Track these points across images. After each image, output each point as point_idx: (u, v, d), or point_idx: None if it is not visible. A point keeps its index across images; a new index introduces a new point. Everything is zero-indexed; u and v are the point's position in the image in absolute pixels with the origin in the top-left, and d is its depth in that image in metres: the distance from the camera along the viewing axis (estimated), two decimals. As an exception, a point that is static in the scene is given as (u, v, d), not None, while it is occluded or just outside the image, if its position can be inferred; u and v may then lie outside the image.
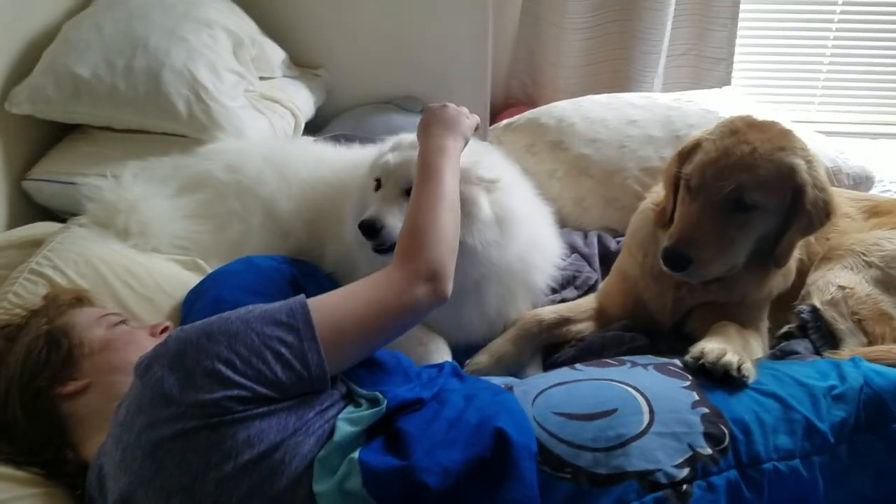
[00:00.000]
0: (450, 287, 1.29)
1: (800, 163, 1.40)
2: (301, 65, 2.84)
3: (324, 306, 1.16)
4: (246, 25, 2.50)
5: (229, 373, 1.05)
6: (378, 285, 1.23)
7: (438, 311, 1.63)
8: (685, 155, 1.49)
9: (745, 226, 1.42)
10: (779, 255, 1.47)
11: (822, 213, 1.43)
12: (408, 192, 1.55)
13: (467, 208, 1.55)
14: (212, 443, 1.03)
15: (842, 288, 1.57)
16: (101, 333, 1.34)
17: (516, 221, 1.69)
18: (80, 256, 1.61)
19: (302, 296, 1.17)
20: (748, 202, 1.39)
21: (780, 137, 1.42)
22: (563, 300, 1.85)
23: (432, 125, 1.49)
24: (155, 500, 1.04)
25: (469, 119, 1.54)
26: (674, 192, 1.52)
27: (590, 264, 1.97)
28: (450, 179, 1.39)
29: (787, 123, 1.53)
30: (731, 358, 1.26)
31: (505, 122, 2.37)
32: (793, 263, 1.58)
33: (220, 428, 1.03)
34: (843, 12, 3.03)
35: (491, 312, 1.71)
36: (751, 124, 1.43)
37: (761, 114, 2.02)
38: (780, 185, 1.40)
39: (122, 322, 1.41)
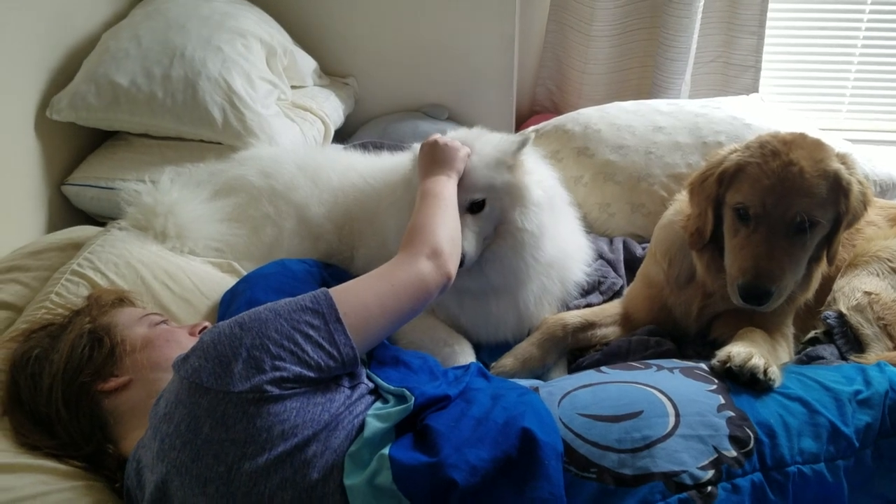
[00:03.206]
0: (452, 267, 1.37)
1: (840, 167, 1.42)
2: (331, 74, 2.90)
3: (343, 291, 1.23)
4: (279, 36, 2.55)
5: (263, 357, 1.09)
6: (387, 267, 1.32)
7: (473, 306, 1.69)
8: (727, 178, 1.49)
9: (807, 244, 1.44)
10: (833, 255, 1.50)
11: (863, 205, 1.45)
12: (471, 208, 1.62)
13: (519, 194, 1.64)
14: (249, 434, 1.06)
15: (867, 293, 1.57)
16: (143, 332, 1.38)
17: (563, 206, 1.79)
18: (120, 258, 1.65)
19: (324, 287, 1.23)
20: (813, 222, 1.40)
21: (815, 149, 1.43)
22: (589, 305, 1.86)
23: (429, 165, 1.59)
24: (191, 489, 1.07)
25: (460, 153, 1.62)
26: (713, 213, 1.52)
27: (615, 270, 1.98)
28: (445, 202, 1.49)
29: (811, 131, 1.54)
30: (758, 361, 1.27)
31: (531, 128, 2.38)
32: (818, 272, 1.59)
33: (256, 419, 1.07)
34: (870, 20, 3.00)
35: (525, 310, 1.74)
36: (785, 141, 1.44)
37: (786, 125, 2.05)
38: (833, 194, 1.41)
39: (163, 322, 1.44)
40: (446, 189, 1.53)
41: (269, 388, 1.08)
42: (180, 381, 1.11)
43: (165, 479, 1.09)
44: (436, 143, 1.63)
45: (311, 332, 1.14)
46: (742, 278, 1.42)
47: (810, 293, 1.58)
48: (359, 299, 1.23)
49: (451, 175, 1.58)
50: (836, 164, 1.42)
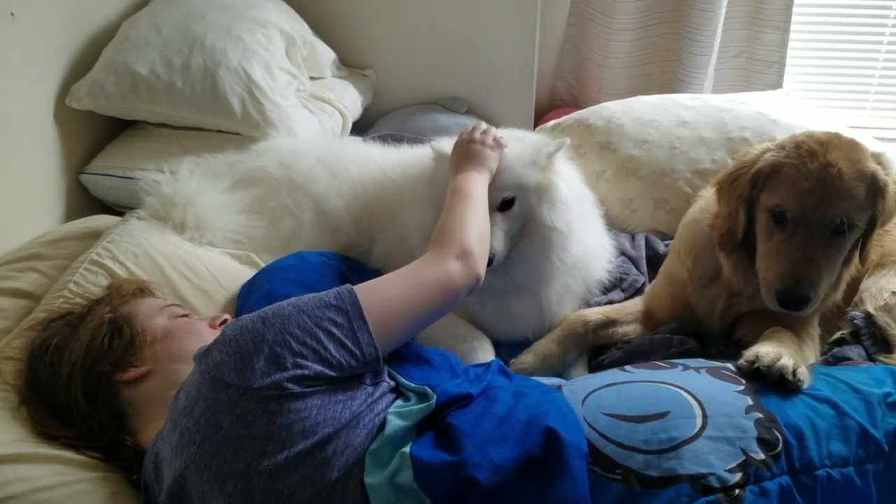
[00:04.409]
0: (481, 267, 1.35)
1: (877, 168, 1.39)
2: (349, 65, 2.88)
3: (368, 289, 1.21)
4: (299, 26, 2.54)
5: (285, 353, 1.08)
6: (415, 266, 1.30)
7: (494, 305, 1.68)
8: (761, 179, 1.45)
9: (844, 246, 1.41)
10: (866, 256, 1.47)
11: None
12: (501, 206, 1.61)
13: (548, 193, 1.63)
14: (269, 431, 1.05)
15: (895, 294, 1.54)
16: (163, 323, 1.38)
17: (589, 207, 1.78)
18: (139, 248, 1.65)
19: (348, 284, 1.21)
20: (850, 225, 1.37)
21: (852, 150, 1.40)
22: (610, 302, 1.84)
23: (462, 161, 1.57)
24: (209, 485, 1.06)
25: (493, 151, 1.60)
26: (745, 213, 1.48)
27: (637, 267, 1.96)
28: (476, 201, 1.46)
29: (843, 130, 1.51)
30: (787, 362, 1.24)
31: (552, 122, 2.36)
32: (846, 273, 1.56)
33: (276, 416, 1.06)
34: (897, 16, 2.97)
35: (548, 309, 1.73)
36: (821, 142, 1.40)
37: (812, 122, 2.01)
38: (871, 198, 1.38)
39: (184, 315, 1.44)
40: (477, 186, 1.50)
41: (289, 385, 1.07)
42: (201, 375, 1.10)
43: (184, 474, 1.09)
44: (472, 139, 1.61)
45: (334, 330, 1.13)
46: (780, 283, 1.39)
47: (839, 294, 1.55)
48: (384, 298, 1.21)
49: (483, 172, 1.55)
50: (873, 165, 1.39)
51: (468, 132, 1.65)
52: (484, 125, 1.67)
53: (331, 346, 1.12)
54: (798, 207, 1.38)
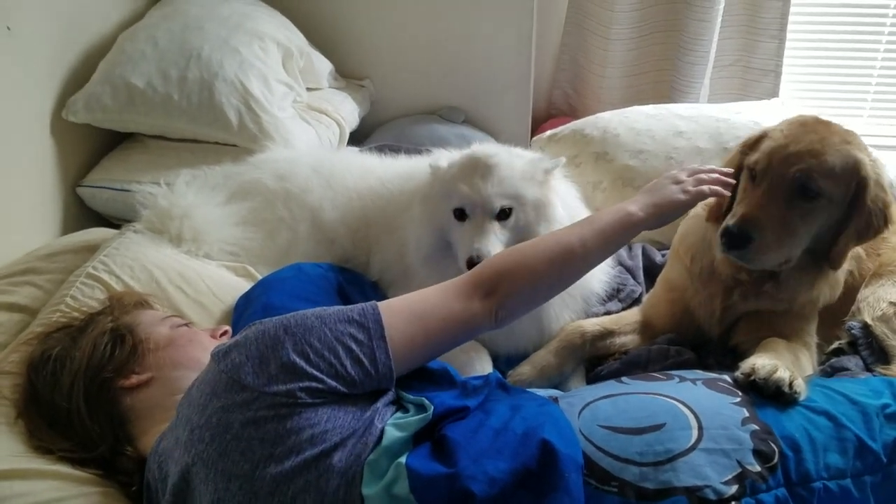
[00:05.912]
0: (510, 321, 1.31)
1: (865, 158, 1.39)
2: (346, 76, 2.88)
3: (393, 309, 1.21)
4: (295, 37, 2.54)
5: (303, 364, 1.10)
6: (446, 297, 1.26)
7: None
8: (750, 145, 1.49)
9: (808, 215, 1.40)
10: (835, 256, 1.45)
11: (881, 217, 1.41)
12: (499, 215, 1.62)
13: (545, 210, 1.65)
14: (278, 435, 1.06)
15: (893, 304, 1.54)
16: (165, 331, 1.39)
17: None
18: (135, 261, 1.65)
19: (374, 301, 1.21)
20: (814, 189, 1.37)
21: (847, 134, 1.42)
22: (608, 313, 1.84)
23: (646, 188, 1.48)
24: (214, 483, 1.07)
25: (683, 195, 1.43)
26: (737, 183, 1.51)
27: (634, 277, 1.96)
28: (593, 241, 1.35)
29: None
30: (783, 374, 1.24)
31: (549, 133, 2.37)
32: (840, 275, 1.56)
33: (287, 420, 1.07)
34: (893, 24, 2.95)
35: (547, 323, 1.73)
36: (819, 121, 1.44)
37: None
38: (846, 176, 1.38)
39: (185, 325, 1.45)
40: (615, 216, 1.37)
41: (301, 395, 1.08)
42: (218, 374, 1.11)
43: (190, 470, 1.10)
44: (672, 176, 1.48)
45: (353, 346, 1.14)
46: (730, 222, 1.40)
47: (829, 293, 1.55)
48: (407, 323, 1.20)
49: (640, 207, 1.40)
50: (861, 155, 1.40)
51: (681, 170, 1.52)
52: (697, 167, 1.52)
53: (347, 363, 1.13)
54: (766, 161, 1.40)
